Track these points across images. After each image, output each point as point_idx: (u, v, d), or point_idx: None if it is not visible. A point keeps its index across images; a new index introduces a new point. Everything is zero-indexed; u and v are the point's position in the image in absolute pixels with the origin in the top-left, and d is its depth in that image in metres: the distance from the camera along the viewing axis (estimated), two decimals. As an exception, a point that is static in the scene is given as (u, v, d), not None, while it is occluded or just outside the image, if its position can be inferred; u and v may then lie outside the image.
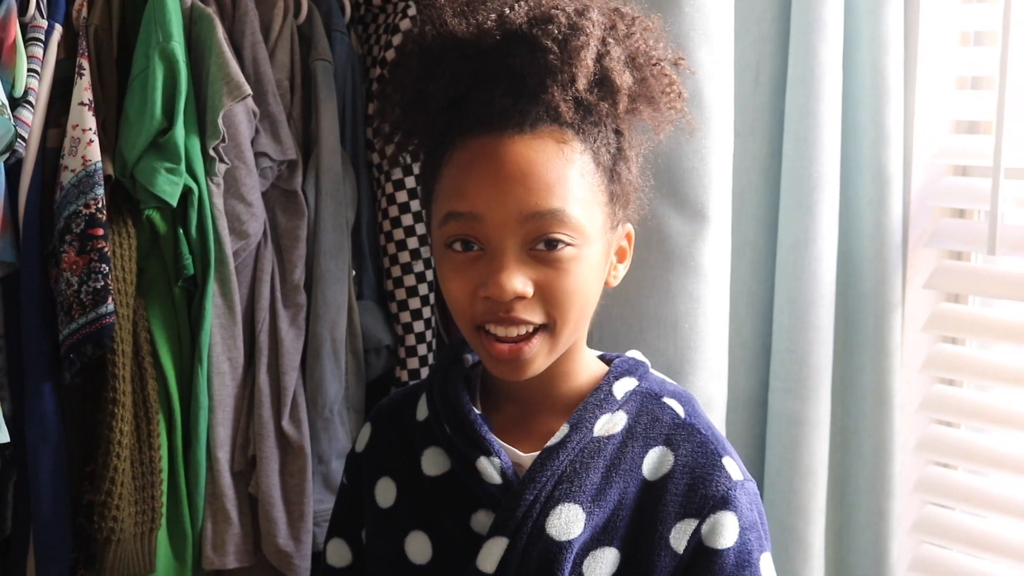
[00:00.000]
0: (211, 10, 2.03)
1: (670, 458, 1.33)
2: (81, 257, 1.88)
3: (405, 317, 2.19)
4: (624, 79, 1.28)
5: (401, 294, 2.18)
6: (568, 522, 1.30)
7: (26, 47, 1.89)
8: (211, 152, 1.99)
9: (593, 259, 1.29)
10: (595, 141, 1.28)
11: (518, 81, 1.26)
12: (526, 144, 1.24)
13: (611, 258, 1.35)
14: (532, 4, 1.28)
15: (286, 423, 2.09)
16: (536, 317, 1.26)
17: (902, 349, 2.01)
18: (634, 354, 1.45)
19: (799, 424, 1.97)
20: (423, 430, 1.42)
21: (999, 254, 1.90)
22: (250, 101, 2.03)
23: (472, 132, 1.27)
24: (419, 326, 2.19)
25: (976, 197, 2.01)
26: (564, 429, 1.34)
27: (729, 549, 1.29)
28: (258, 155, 2.07)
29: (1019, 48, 1.87)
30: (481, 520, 1.34)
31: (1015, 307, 2.03)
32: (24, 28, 1.90)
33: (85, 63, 1.93)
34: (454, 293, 1.29)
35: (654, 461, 1.33)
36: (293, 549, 2.09)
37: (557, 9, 1.27)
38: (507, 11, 1.27)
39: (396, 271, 2.18)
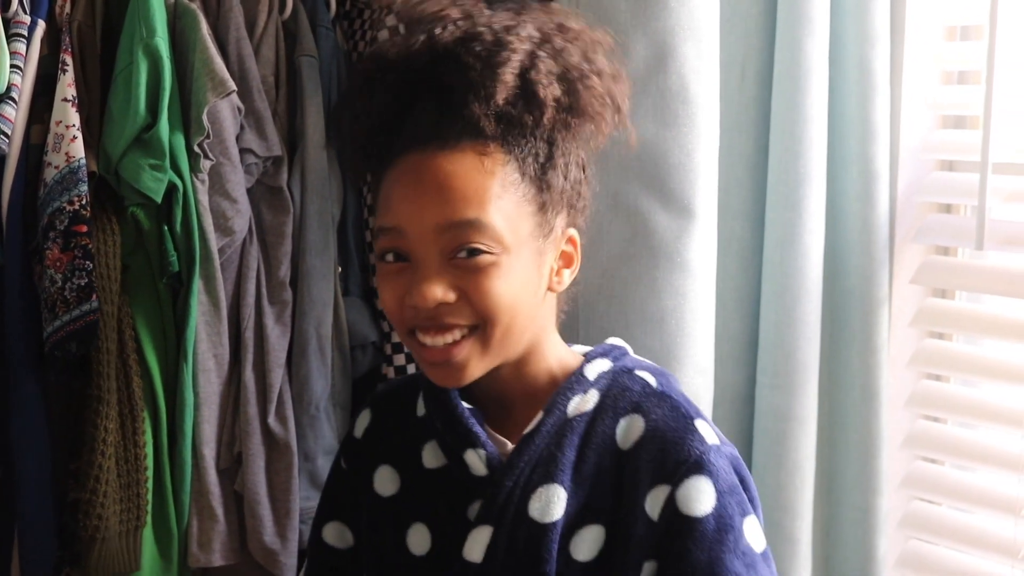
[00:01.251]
0: (195, 6, 2.03)
1: (639, 423, 1.33)
2: (65, 254, 1.87)
3: (391, 314, 2.18)
4: (550, 91, 1.29)
5: (387, 290, 2.18)
6: (549, 503, 1.31)
7: (9, 43, 1.88)
8: (196, 148, 1.99)
9: (518, 267, 1.29)
10: (521, 151, 1.30)
11: (444, 98, 1.29)
12: (447, 158, 1.27)
13: (551, 264, 1.36)
14: (464, 24, 1.31)
15: (272, 420, 2.09)
16: (463, 319, 1.28)
17: (889, 344, 2.00)
18: (613, 340, 1.46)
19: (786, 420, 1.96)
20: (422, 425, 1.44)
21: (987, 249, 1.90)
22: (235, 97, 2.03)
23: (403, 150, 1.30)
24: (405, 323, 2.18)
25: (963, 192, 2.00)
26: (539, 415, 1.35)
27: (708, 516, 1.28)
28: (243, 151, 2.06)
29: (1006, 42, 1.86)
30: (476, 511, 1.36)
31: (1002, 302, 2.02)
32: (7, 24, 1.90)
33: (68, 59, 1.93)
34: (385, 301, 1.33)
35: (624, 429, 1.34)
36: (279, 547, 2.09)
37: (485, 27, 1.30)
38: (437, 31, 1.31)
39: (382, 267, 2.17)
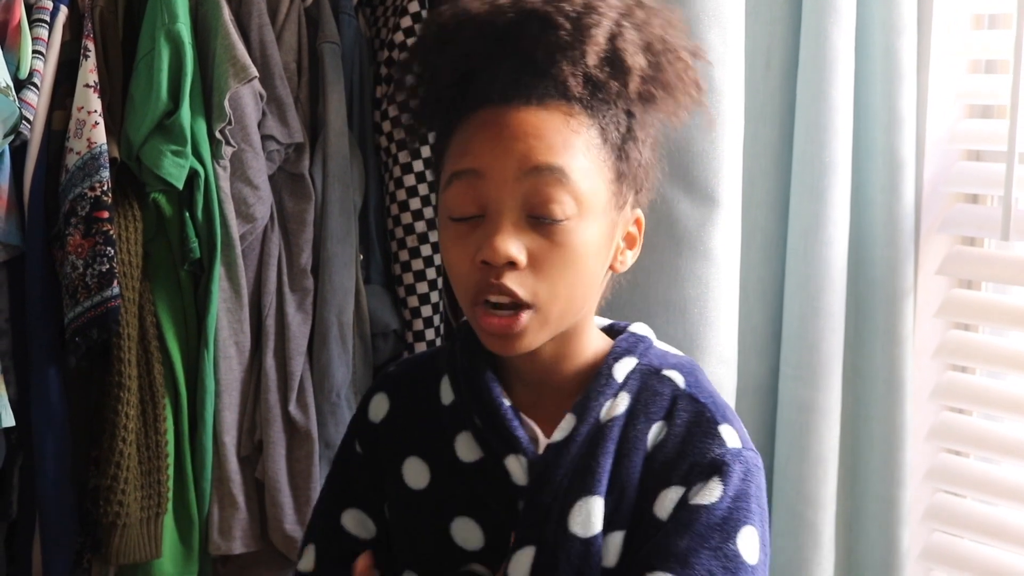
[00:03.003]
0: (217, -8, 2.02)
1: (665, 428, 1.32)
2: (86, 240, 1.87)
3: (413, 302, 2.18)
4: (636, 60, 1.28)
5: (409, 278, 2.17)
6: (589, 516, 1.29)
7: (31, 28, 1.88)
8: (217, 135, 1.98)
9: (593, 236, 1.27)
10: (604, 118, 1.28)
11: (528, 58, 1.26)
12: (532, 113, 1.25)
13: (618, 242, 1.34)
14: None
15: (293, 408, 2.08)
16: (523, 292, 1.25)
17: (914, 336, 1.99)
18: (637, 328, 1.43)
19: (809, 411, 1.95)
20: (452, 414, 1.40)
21: (1013, 240, 1.88)
22: (257, 83, 2.02)
23: (480, 105, 1.27)
24: (427, 310, 2.18)
25: (989, 182, 1.99)
26: (570, 420, 1.32)
27: (704, 508, 1.26)
28: (265, 138, 2.06)
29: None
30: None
31: (1028, 293, 2.01)
32: (29, 9, 1.90)
33: (91, 45, 1.92)
34: (454, 262, 1.29)
35: (654, 435, 1.32)
36: (300, 534, 2.09)
37: None
38: None
39: (404, 255, 2.17)
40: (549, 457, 1.32)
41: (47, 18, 1.91)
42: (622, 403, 1.34)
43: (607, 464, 1.31)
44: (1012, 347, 2.01)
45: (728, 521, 1.27)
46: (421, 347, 2.18)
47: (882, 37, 1.92)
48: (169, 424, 2.01)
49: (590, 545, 1.29)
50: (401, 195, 2.15)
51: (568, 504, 1.30)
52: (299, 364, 2.10)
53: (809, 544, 1.98)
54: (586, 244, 1.26)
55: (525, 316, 1.26)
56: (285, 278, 2.10)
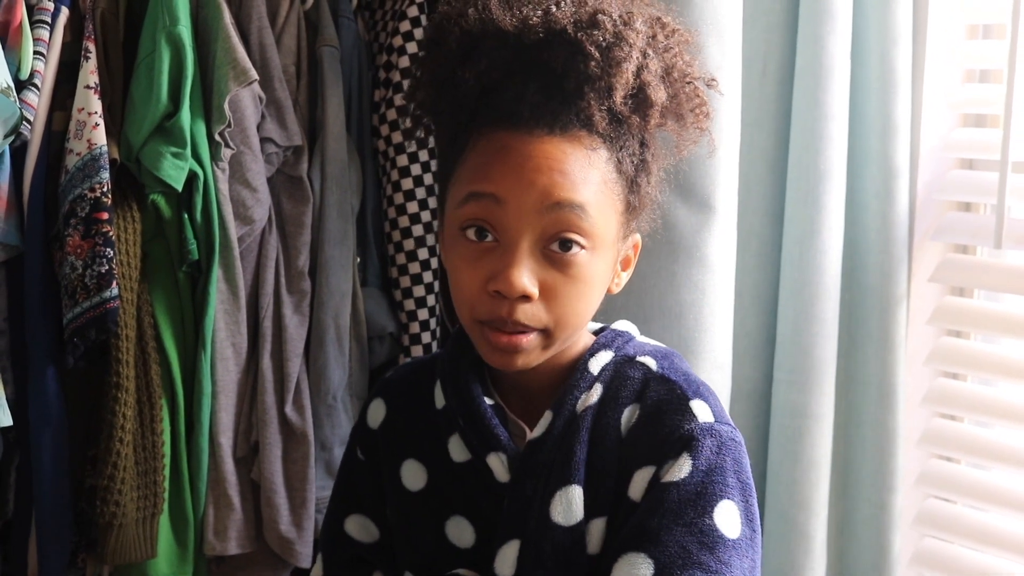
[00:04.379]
0: (218, -6, 2.03)
1: (637, 410, 1.31)
2: (86, 241, 1.88)
3: (409, 305, 2.18)
4: (659, 95, 1.27)
5: (405, 281, 2.18)
6: (570, 505, 1.29)
7: (32, 29, 1.89)
8: (217, 137, 1.99)
9: (601, 267, 1.28)
10: (621, 150, 1.27)
11: (555, 81, 1.25)
12: (554, 144, 1.23)
13: (616, 266, 1.35)
14: (578, 4, 1.27)
15: (289, 409, 2.09)
16: (535, 323, 1.25)
17: (907, 342, 2.00)
18: (618, 324, 1.44)
19: (803, 416, 1.96)
20: (444, 417, 1.41)
21: (1005, 248, 1.90)
22: (256, 86, 2.03)
23: (501, 124, 1.25)
24: (423, 314, 2.18)
25: (983, 191, 2.00)
26: (547, 416, 1.33)
27: (674, 485, 1.25)
28: (264, 141, 2.07)
29: (1028, 41, 1.86)
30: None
31: (1020, 301, 2.02)
32: (30, 10, 1.90)
33: (91, 46, 1.93)
34: (463, 283, 1.28)
35: (626, 419, 1.31)
36: (295, 536, 2.09)
37: (604, 15, 1.25)
38: (553, 8, 1.26)
39: (401, 258, 2.18)
40: (528, 453, 1.32)
41: (48, 19, 1.91)
42: (595, 393, 1.33)
43: (582, 453, 1.30)
44: (1004, 354, 2.02)
45: (702, 496, 1.24)
46: (417, 350, 2.19)
47: (878, 46, 1.94)
48: (166, 425, 2.02)
49: (573, 533, 1.29)
50: (398, 199, 2.16)
51: (548, 495, 1.30)
52: (296, 366, 2.10)
53: (801, 549, 1.99)
54: (595, 275, 1.27)
55: (532, 335, 1.26)
56: (282, 280, 2.11)
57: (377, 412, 1.49)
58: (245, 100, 2.01)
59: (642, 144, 1.31)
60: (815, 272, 1.94)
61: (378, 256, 2.22)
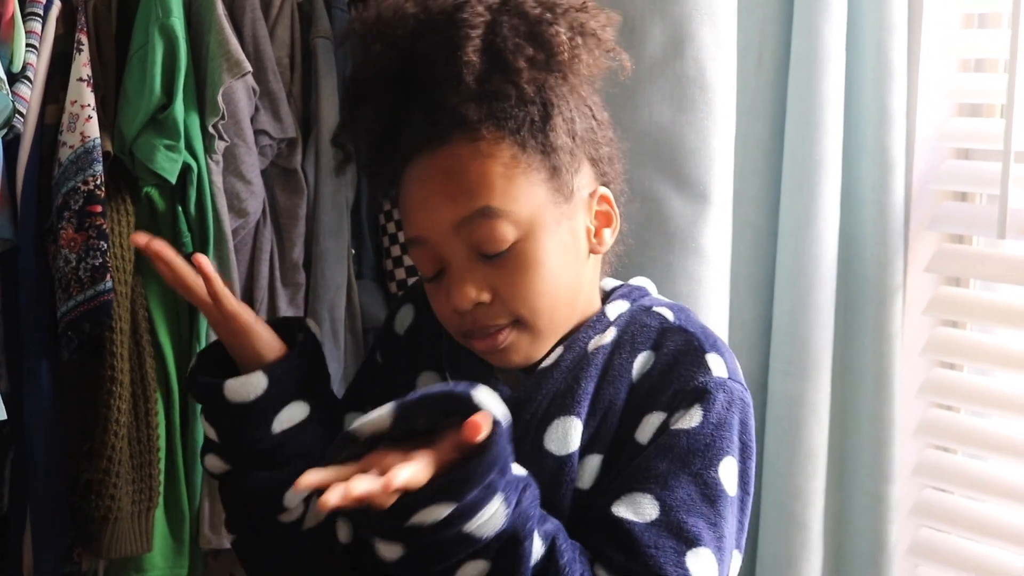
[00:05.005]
0: (211, -14, 2.02)
1: (653, 358, 1.32)
2: (79, 234, 1.87)
3: (404, 297, 2.18)
4: (520, 54, 1.24)
5: (400, 274, 2.18)
6: (566, 435, 1.29)
7: (24, 22, 1.88)
8: (210, 129, 1.99)
9: (549, 243, 1.27)
10: (514, 123, 1.26)
11: (427, 97, 1.26)
12: (445, 155, 1.25)
13: (587, 226, 1.33)
14: (417, 14, 1.26)
15: (284, 402, 2.08)
16: (502, 318, 1.27)
17: (903, 332, 2.00)
18: (636, 280, 1.44)
19: (799, 406, 1.96)
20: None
21: (1009, 237, 1.89)
22: (250, 78, 2.02)
23: (406, 160, 1.28)
24: (418, 306, 2.18)
25: (979, 180, 2.00)
26: (558, 351, 1.33)
27: (684, 432, 1.25)
28: (258, 133, 2.06)
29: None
30: None
31: (1016, 291, 2.02)
32: (23, 3, 1.90)
33: (84, 38, 1.93)
34: (438, 310, 1.32)
35: (640, 364, 1.32)
36: (291, 529, 2.09)
37: (437, 11, 1.25)
38: (398, 32, 1.27)
39: (395, 251, 2.17)
40: (532, 381, 1.32)
41: (40, 11, 1.91)
42: (609, 335, 1.34)
43: (589, 388, 1.31)
44: (1000, 344, 2.02)
45: (710, 448, 1.25)
46: (412, 342, 2.19)
47: (873, 35, 1.93)
48: (161, 418, 2.01)
49: (564, 463, 1.29)
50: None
51: (545, 423, 1.30)
52: (291, 359, 2.10)
53: (797, 539, 1.99)
54: (544, 254, 1.27)
55: (505, 332, 1.28)
56: (277, 273, 2.11)
57: (405, 317, 1.49)
58: (239, 92, 2.01)
59: (542, 103, 1.27)
60: (811, 262, 1.93)
61: (373, 248, 2.22)
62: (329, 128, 2.12)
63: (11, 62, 1.86)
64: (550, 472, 1.29)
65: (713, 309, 1.87)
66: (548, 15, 1.26)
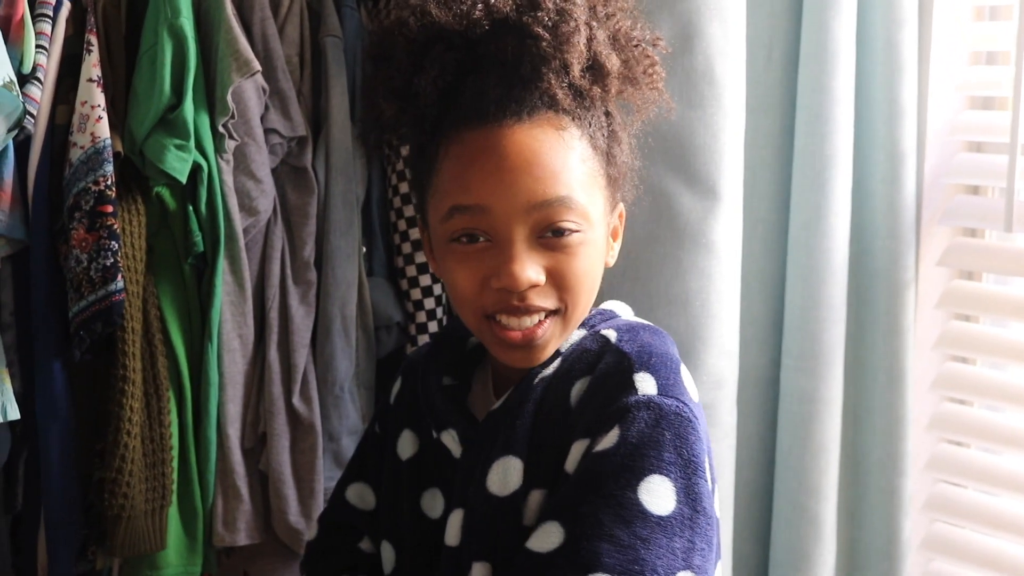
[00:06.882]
0: (220, -15, 2.02)
1: (588, 384, 1.29)
2: (91, 234, 1.88)
3: (416, 294, 2.18)
4: (613, 62, 1.28)
5: (411, 271, 2.18)
6: (506, 475, 1.28)
7: (34, 23, 1.89)
8: (220, 129, 1.99)
9: (598, 242, 1.29)
10: (591, 126, 1.28)
11: (511, 69, 1.25)
12: (526, 133, 1.24)
13: (607, 236, 1.35)
14: None
15: (296, 400, 2.09)
16: (549, 303, 1.26)
17: (915, 327, 2.00)
18: (606, 304, 1.44)
19: (811, 402, 1.96)
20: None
21: (1016, 231, 1.88)
22: (259, 77, 2.03)
23: (467, 124, 1.26)
24: (429, 303, 2.18)
25: (990, 174, 1.99)
26: (511, 391, 1.33)
27: (601, 453, 1.21)
28: (268, 131, 2.06)
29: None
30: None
31: (1029, 284, 2.02)
32: (32, 4, 1.90)
33: (94, 39, 1.93)
34: (461, 284, 1.28)
35: (577, 391, 1.29)
36: (304, 526, 2.09)
37: None
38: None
39: (406, 248, 2.17)
40: (482, 426, 1.33)
41: (50, 12, 1.91)
42: (553, 366, 1.32)
43: (526, 423, 1.29)
44: (1013, 338, 2.01)
45: (627, 469, 1.19)
46: (424, 339, 2.19)
47: (883, 29, 1.93)
48: (173, 417, 2.02)
49: (505, 504, 1.27)
50: (404, 187, 2.16)
51: (487, 464, 1.29)
52: (302, 357, 2.10)
53: (811, 534, 1.99)
54: (593, 252, 1.28)
55: (549, 322, 1.27)
56: (288, 271, 2.11)
57: (395, 388, 1.53)
58: (248, 91, 2.01)
59: (607, 115, 1.32)
60: (822, 257, 1.93)
61: (384, 245, 2.22)
62: (339, 126, 2.12)
63: (21, 63, 1.87)
64: (496, 514, 1.28)
65: (724, 305, 1.87)
66: (633, 34, 1.33)
